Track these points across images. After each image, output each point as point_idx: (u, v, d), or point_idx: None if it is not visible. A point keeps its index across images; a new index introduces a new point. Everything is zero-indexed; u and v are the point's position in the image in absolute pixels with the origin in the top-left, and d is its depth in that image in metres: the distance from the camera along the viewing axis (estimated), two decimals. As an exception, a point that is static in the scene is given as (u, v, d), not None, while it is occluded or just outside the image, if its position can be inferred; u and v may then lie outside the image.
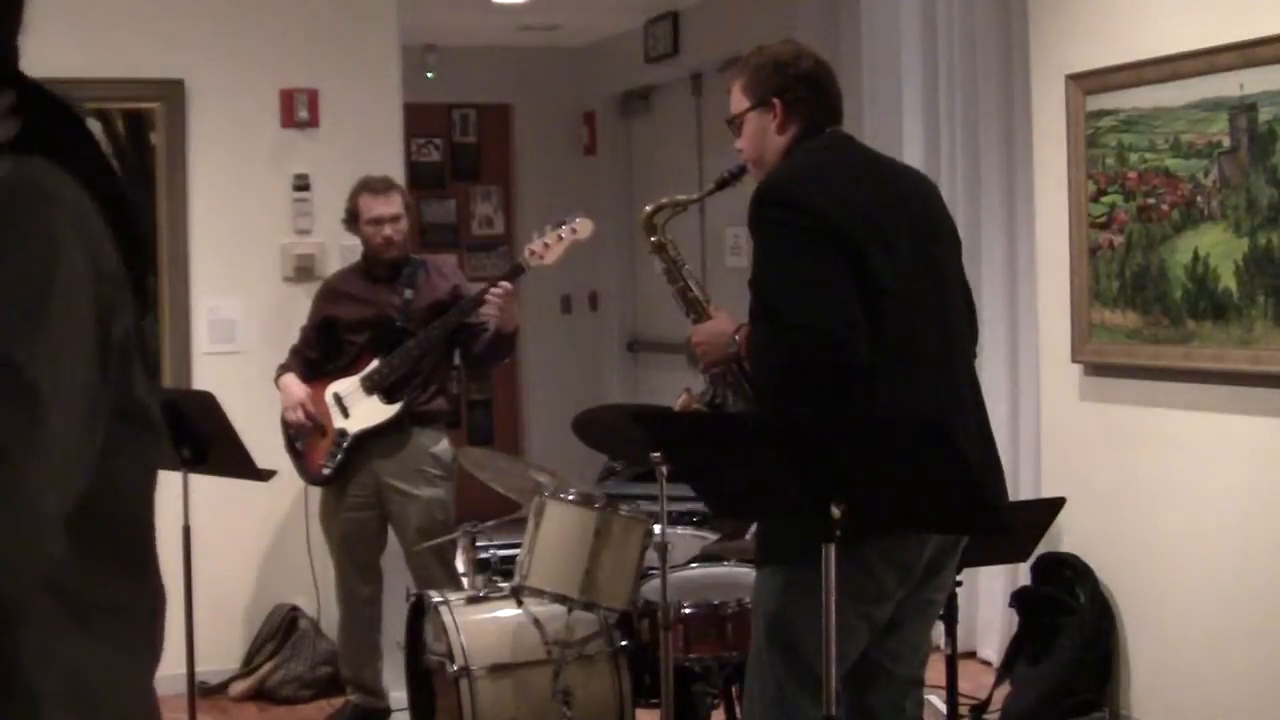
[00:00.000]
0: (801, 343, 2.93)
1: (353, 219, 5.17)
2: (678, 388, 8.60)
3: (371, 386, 5.07)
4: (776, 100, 3.19)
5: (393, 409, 5.04)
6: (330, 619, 5.54)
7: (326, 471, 5.11)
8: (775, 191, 3.10)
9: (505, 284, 4.99)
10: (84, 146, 1.35)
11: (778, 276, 3.01)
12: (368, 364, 5.09)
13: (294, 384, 5.14)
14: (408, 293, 5.12)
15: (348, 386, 5.10)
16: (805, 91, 3.20)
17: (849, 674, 3.12)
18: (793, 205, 3.02)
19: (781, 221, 3.02)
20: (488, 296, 4.94)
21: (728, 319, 3.30)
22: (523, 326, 9.30)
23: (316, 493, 5.32)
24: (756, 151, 3.26)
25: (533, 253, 5.02)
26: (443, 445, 5.16)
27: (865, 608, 3.03)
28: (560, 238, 5.00)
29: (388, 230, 5.10)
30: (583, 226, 5.02)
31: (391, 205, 5.12)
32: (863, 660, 3.13)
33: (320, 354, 5.23)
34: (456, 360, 5.28)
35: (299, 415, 5.08)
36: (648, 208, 3.50)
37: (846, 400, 2.95)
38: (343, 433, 5.09)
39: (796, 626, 2.98)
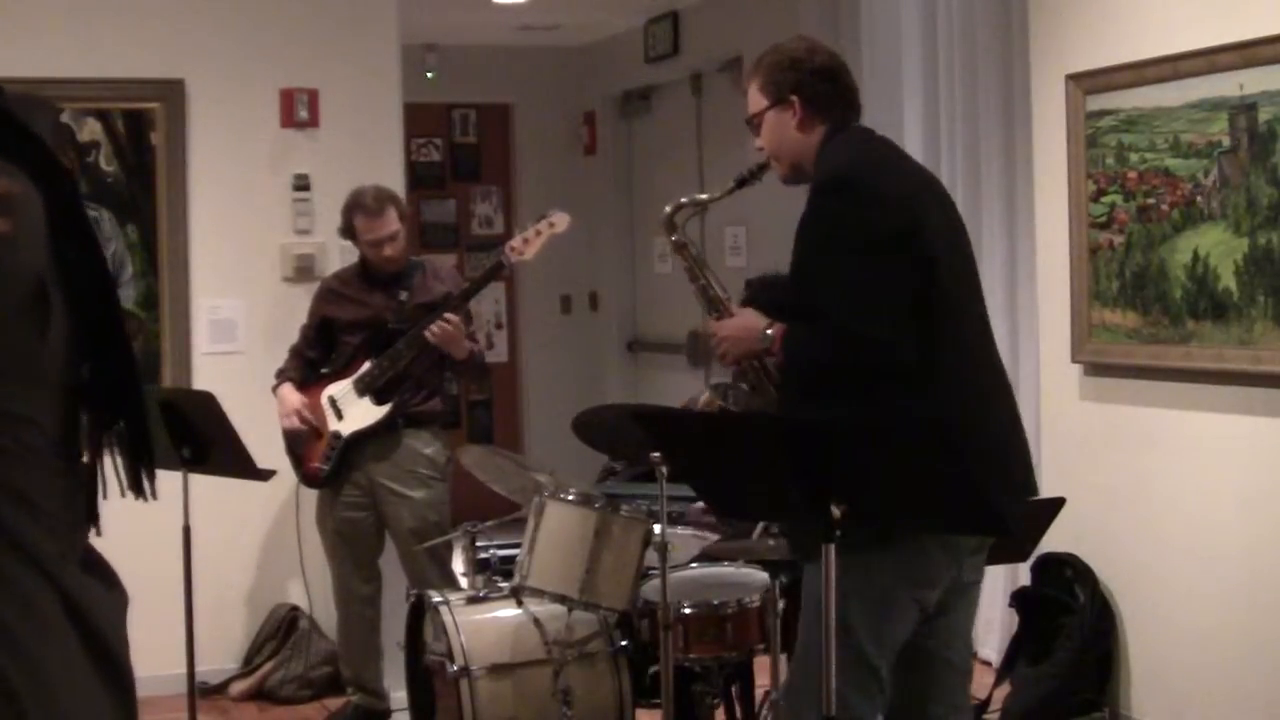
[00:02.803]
0: (845, 347, 2.94)
1: (349, 234, 5.19)
2: (678, 388, 8.58)
3: (363, 388, 5.09)
4: (794, 97, 3.20)
5: (383, 410, 5.07)
6: (328, 618, 5.54)
7: (322, 473, 5.14)
8: (844, 182, 3.08)
9: (449, 317, 4.96)
10: (22, 142, 1.34)
11: (832, 274, 3.01)
12: (362, 366, 5.11)
13: (289, 393, 5.17)
14: (403, 295, 5.14)
15: (342, 389, 5.13)
16: (822, 86, 3.21)
17: (905, 673, 3.13)
18: (863, 197, 3.02)
19: (846, 215, 3.01)
20: (428, 332, 4.94)
21: (756, 315, 3.28)
22: (522, 326, 9.42)
23: (307, 495, 5.34)
24: (777, 149, 3.26)
25: (513, 249, 5.04)
26: (436, 447, 5.17)
27: (918, 592, 3.05)
28: (538, 232, 5.02)
29: (387, 250, 5.11)
30: (560, 220, 5.04)
31: (388, 224, 5.10)
32: (918, 654, 3.14)
33: (319, 354, 5.25)
34: None
35: (293, 423, 5.11)
36: (668, 207, 3.48)
37: (886, 403, 2.94)
38: (336, 435, 5.11)
39: (851, 613, 2.97)
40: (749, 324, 3.26)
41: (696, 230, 7.97)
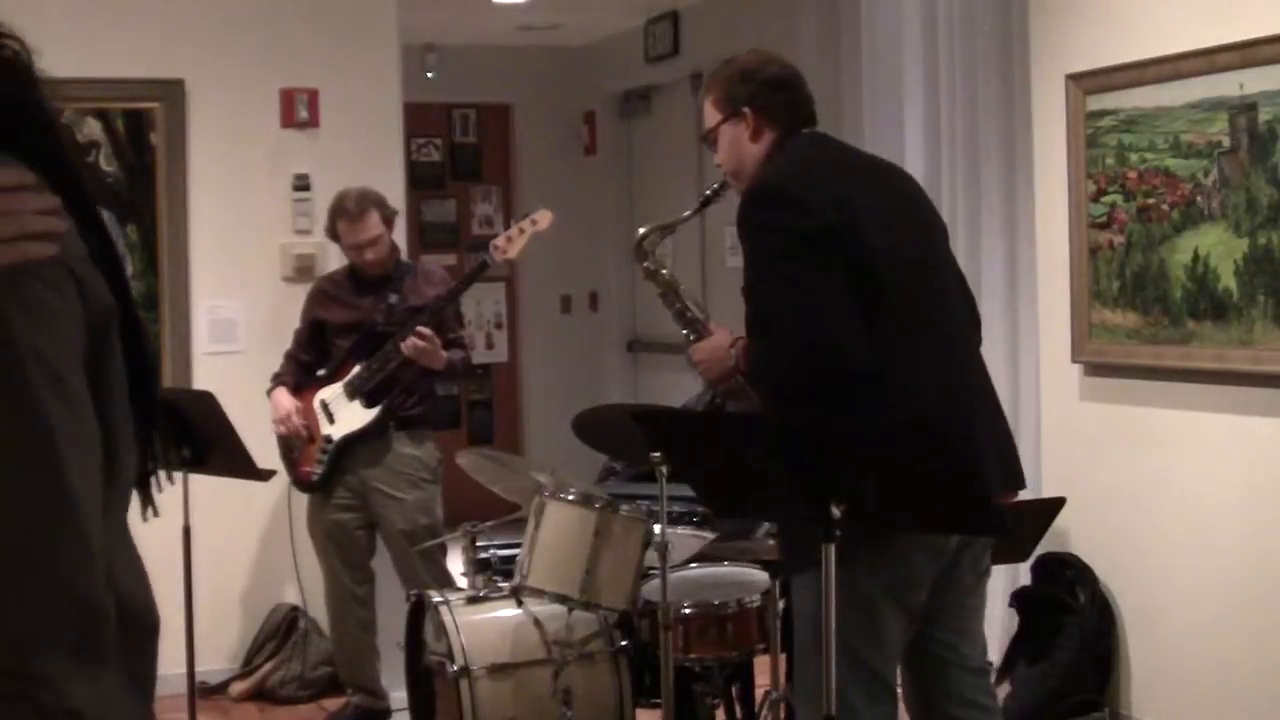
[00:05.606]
0: (803, 353, 2.92)
1: (334, 237, 5.22)
2: (678, 388, 8.57)
3: (353, 392, 5.10)
4: (746, 109, 3.18)
5: (372, 413, 5.08)
6: (326, 619, 5.54)
7: (314, 477, 5.15)
8: (769, 191, 3.07)
9: (421, 332, 4.96)
10: (38, 136, 1.35)
11: (775, 284, 3.00)
12: (352, 369, 5.12)
13: (283, 398, 5.18)
14: (393, 298, 5.15)
15: (333, 393, 5.15)
16: (775, 97, 3.19)
17: (917, 681, 3.15)
18: (788, 204, 3.00)
19: (776, 223, 3.00)
20: (403, 346, 4.95)
21: (724, 333, 3.30)
22: (522, 326, 9.42)
23: (299, 497, 5.35)
24: (734, 163, 3.25)
25: (496, 248, 5.06)
26: (426, 449, 5.19)
27: (900, 595, 3.03)
28: (521, 230, 5.04)
29: (368, 255, 5.13)
30: (542, 218, 5.06)
31: (368, 229, 5.11)
32: (927, 659, 3.14)
33: (313, 357, 5.26)
34: None
35: (286, 429, 5.11)
36: (638, 231, 3.51)
37: (851, 404, 2.93)
38: (328, 438, 5.13)
39: (845, 621, 2.97)
40: (716, 344, 3.28)
41: (696, 232, 7.96)
